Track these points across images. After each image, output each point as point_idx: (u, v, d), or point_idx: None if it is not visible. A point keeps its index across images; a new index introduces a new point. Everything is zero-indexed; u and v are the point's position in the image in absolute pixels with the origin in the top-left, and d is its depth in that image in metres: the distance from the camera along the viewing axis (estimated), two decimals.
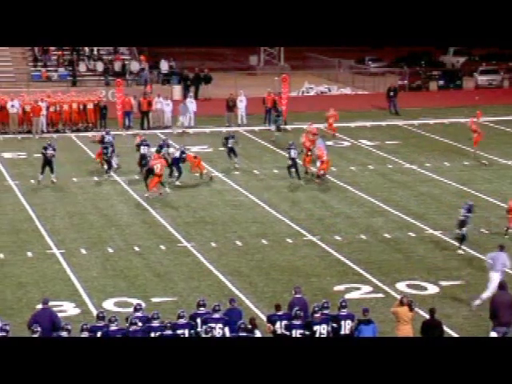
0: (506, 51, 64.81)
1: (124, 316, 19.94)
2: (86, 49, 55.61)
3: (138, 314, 19.43)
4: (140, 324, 18.90)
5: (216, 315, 19.24)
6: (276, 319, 19.57)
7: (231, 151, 36.93)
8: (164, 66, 55.99)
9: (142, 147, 35.48)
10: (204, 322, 19.07)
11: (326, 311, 19.58)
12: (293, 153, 34.50)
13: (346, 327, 19.39)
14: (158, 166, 32.63)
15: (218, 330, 19.00)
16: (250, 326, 18.92)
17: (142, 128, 44.79)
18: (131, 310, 20.12)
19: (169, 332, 18.68)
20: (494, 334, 18.41)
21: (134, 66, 55.07)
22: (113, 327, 18.76)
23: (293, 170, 34.58)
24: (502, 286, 20.63)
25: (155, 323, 18.94)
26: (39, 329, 18.33)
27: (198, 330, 19.17)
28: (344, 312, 19.56)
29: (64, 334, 18.43)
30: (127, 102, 45.22)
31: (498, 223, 29.74)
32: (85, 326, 18.65)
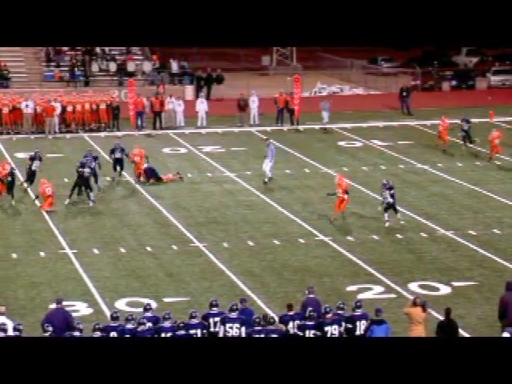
0: None
1: (136, 316, 19.97)
2: (99, 49, 55.67)
3: (148, 313, 19.47)
4: (149, 324, 18.94)
5: (233, 315, 19.23)
6: (288, 319, 19.59)
7: (117, 162, 35.11)
8: (174, 66, 56.03)
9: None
10: (222, 322, 19.09)
11: (340, 312, 19.58)
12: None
13: (361, 328, 19.40)
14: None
15: (236, 330, 19.03)
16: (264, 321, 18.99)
17: (155, 128, 44.90)
18: (142, 309, 20.17)
19: (182, 332, 18.72)
20: (506, 335, 18.41)
21: (147, 67, 55.14)
22: (129, 326, 18.80)
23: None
24: (510, 286, 20.63)
25: (166, 323, 18.97)
26: (51, 328, 18.41)
27: (211, 330, 19.20)
28: (359, 312, 19.56)
29: (76, 333, 18.48)
30: (140, 102, 45.24)
31: (511, 223, 29.70)
32: (97, 326, 18.69)
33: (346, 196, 30.02)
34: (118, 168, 35.08)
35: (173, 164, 37.87)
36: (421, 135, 44.16)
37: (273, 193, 33.82)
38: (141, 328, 18.73)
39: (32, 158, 33.52)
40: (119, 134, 42.90)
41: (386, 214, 29.56)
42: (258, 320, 19.01)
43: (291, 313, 19.76)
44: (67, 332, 18.74)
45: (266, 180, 34.55)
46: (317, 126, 46.01)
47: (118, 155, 35.11)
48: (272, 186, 34.76)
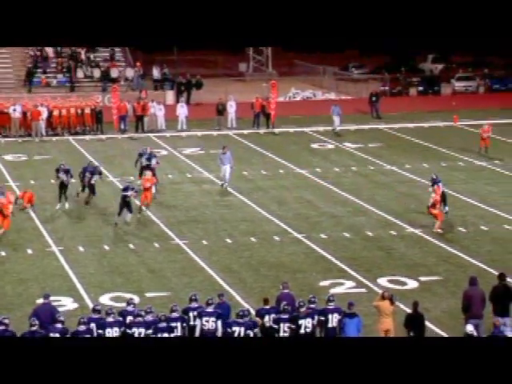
0: (481, 59, 64.99)
1: (119, 310, 19.91)
2: (84, 56, 55.55)
3: (130, 307, 19.46)
4: (130, 317, 19.01)
5: (209, 309, 19.27)
6: (264, 313, 19.59)
7: (90, 187, 32.32)
8: (155, 72, 55.98)
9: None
10: (199, 316, 19.14)
11: (312, 305, 19.59)
12: None
13: (334, 320, 19.41)
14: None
15: (212, 323, 19.08)
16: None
17: (137, 131, 44.87)
18: (125, 304, 20.11)
19: (163, 324, 18.72)
20: (469, 326, 18.48)
21: (129, 73, 55.03)
22: (109, 319, 18.81)
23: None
24: (473, 281, 20.71)
25: (148, 317, 18.94)
26: (37, 322, 18.42)
27: (191, 323, 19.23)
28: (331, 306, 19.58)
29: (58, 325, 18.51)
30: (123, 107, 45.22)
31: (474, 222, 29.83)
32: (82, 320, 18.67)
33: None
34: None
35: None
36: (389, 138, 44.27)
37: (249, 193, 33.79)
38: (109, 319, 18.75)
39: (92, 173, 31.95)
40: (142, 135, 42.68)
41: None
42: (241, 313, 19.03)
43: (267, 307, 19.75)
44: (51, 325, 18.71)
45: (226, 185, 33.99)
46: (291, 129, 46.06)
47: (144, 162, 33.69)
48: (249, 186, 34.73)
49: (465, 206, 31.78)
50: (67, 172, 31.64)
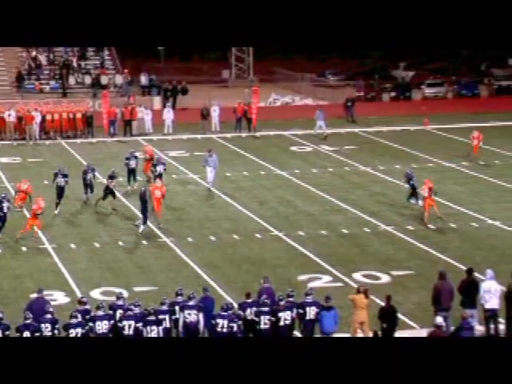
0: (450, 66, 65.21)
1: (109, 303, 19.87)
2: (75, 63, 55.47)
3: (120, 301, 19.44)
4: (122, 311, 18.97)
5: (191, 302, 19.29)
6: (246, 306, 19.60)
7: (88, 186, 32.00)
8: (143, 79, 55.94)
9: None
10: (181, 309, 19.17)
11: (291, 299, 19.61)
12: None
13: (311, 313, 19.44)
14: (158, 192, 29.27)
15: (193, 316, 19.10)
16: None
17: (125, 135, 44.82)
18: (115, 298, 20.09)
19: (152, 317, 18.71)
20: (438, 318, 18.54)
21: (119, 80, 54.94)
22: (100, 313, 18.79)
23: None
24: (442, 275, 20.77)
25: (136, 310, 18.93)
26: (31, 315, 18.41)
27: (177, 316, 19.24)
28: (309, 299, 19.61)
29: (48, 315, 18.51)
30: (112, 112, 45.14)
31: (443, 220, 29.91)
32: (74, 314, 18.64)
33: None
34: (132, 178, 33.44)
35: (141, 167, 37.60)
36: (364, 141, 44.34)
37: (232, 193, 33.77)
38: (99, 313, 18.74)
39: (111, 178, 31.11)
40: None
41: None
42: (224, 307, 19.05)
43: (249, 300, 19.76)
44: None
45: (210, 184, 33.83)
46: (272, 133, 46.05)
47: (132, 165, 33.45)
48: (231, 186, 34.70)
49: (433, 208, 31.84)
50: (65, 176, 31.20)
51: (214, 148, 36.44)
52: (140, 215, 28.86)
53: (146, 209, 28.40)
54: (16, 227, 28.92)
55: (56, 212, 30.44)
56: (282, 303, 19.33)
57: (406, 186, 31.05)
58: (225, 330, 18.63)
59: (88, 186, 31.84)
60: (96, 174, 32.62)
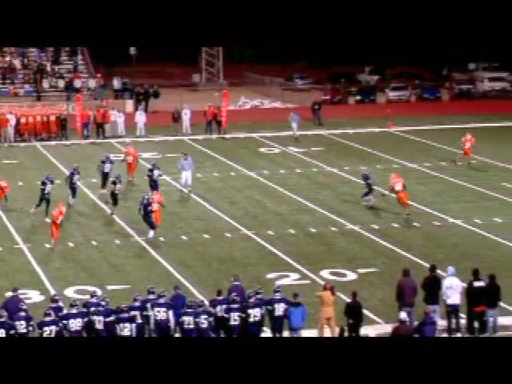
0: (412, 70, 65.56)
1: (83, 302, 19.74)
2: (49, 68, 55.18)
3: (92, 300, 19.35)
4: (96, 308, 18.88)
5: (161, 300, 19.26)
6: (217, 303, 19.56)
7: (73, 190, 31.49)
8: (116, 83, 55.76)
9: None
10: (152, 307, 19.15)
11: (259, 296, 19.60)
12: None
13: (280, 310, 19.44)
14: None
15: (163, 314, 19.09)
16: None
17: (98, 137, 44.70)
18: (89, 296, 19.99)
19: (125, 315, 18.64)
20: (402, 314, 18.62)
21: (92, 83, 54.72)
22: (73, 311, 18.69)
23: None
24: (406, 272, 20.86)
25: (101, 308, 18.87)
26: (5, 313, 18.28)
27: (149, 313, 19.18)
28: (278, 296, 19.61)
29: (22, 313, 18.42)
30: (86, 115, 45.00)
31: (407, 219, 30.04)
32: (47, 312, 18.54)
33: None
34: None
35: (115, 169, 37.43)
36: (330, 142, 44.44)
37: (203, 193, 33.69)
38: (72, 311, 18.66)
39: (114, 183, 30.61)
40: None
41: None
42: (189, 303, 19.02)
43: (220, 298, 19.72)
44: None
45: (189, 189, 33.46)
46: (241, 135, 46.06)
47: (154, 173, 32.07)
48: (202, 187, 34.62)
49: (398, 205, 31.94)
50: (52, 183, 30.54)
51: (183, 149, 36.35)
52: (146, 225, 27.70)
53: (150, 216, 27.50)
54: None
55: (32, 210, 30.09)
56: (252, 300, 19.32)
57: (363, 182, 31.49)
58: (191, 326, 18.63)
59: (73, 189, 31.32)
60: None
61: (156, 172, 32.41)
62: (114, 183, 30.54)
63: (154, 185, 32.07)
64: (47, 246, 27.07)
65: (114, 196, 30.29)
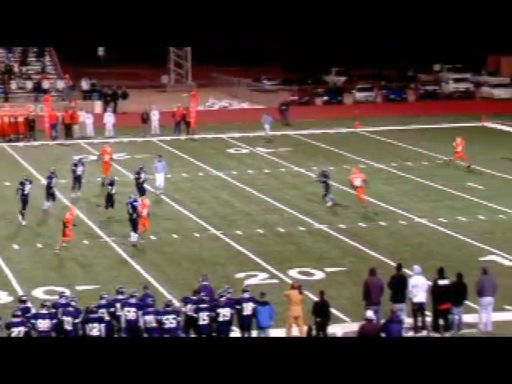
0: (378, 72, 65.91)
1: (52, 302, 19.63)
2: (17, 69, 54.84)
3: (62, 300, 19.26)
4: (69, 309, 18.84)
5: (132, 300, 19.24)
6: (188, 301, 19.56)
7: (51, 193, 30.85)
8: (84, 84, 55.51)
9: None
10: (123, 306, 19.15)
11: (228, 295, 19.61)
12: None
13: (248, 309, 19.47)
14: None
15: (133, 314, 19.10)
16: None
17: (67, 138, 44.51)
18: (57, 297, 19.89)
19: (94, 315, 18.58)
20: (369, 312, 18.72)
21: (60, 84, 54.41)
22: (43, 311, 18.61)
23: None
24: (372, 271, 20.98)
25: (70, 308, 18.81)
26: None
27: (118, 313, 19.14)
28: (246, 296, 19.63)
29: None
30: (54, 116, 44.81)
31: (374, 218, 30.20)
32: (15, 312, 18.45)
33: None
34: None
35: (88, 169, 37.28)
36: (298, 143, 44.56)
37: (172, 193, 33.63)
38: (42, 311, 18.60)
39: (111, 184, 30.35)
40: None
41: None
42: (149, 303, 19.07)
43: (194, 297, 19.63)
44: None
45: (159, 191, 33.15)
46: (209, 136, 46.03)
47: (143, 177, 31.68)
48: (171, 187, 34.55)
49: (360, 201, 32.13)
50: (30, 183, 30.17)
51: (152, 150, 36.27)
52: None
53: (136, 220, 27.00)
54: None
55: (24, 223, 29.26)
56: (222, 299, 19.34)
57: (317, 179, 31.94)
58: (154, 325, 18.62)
59: (51, 194, 30.74)
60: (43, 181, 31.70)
61: (143, 175, 31.99)
62: (111, 184, 30.29)
63: (141, 188, 31.62)
64: (15, 247, 26.85)
65: (109, 197, 29.95)
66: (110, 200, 29.93)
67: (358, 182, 30.72)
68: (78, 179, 32.94)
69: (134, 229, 26.98)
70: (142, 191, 31.35)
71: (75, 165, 33.26)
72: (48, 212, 30.64)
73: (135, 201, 27.25)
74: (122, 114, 50.84)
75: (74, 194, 32.78)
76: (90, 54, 59.93)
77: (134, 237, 26.96)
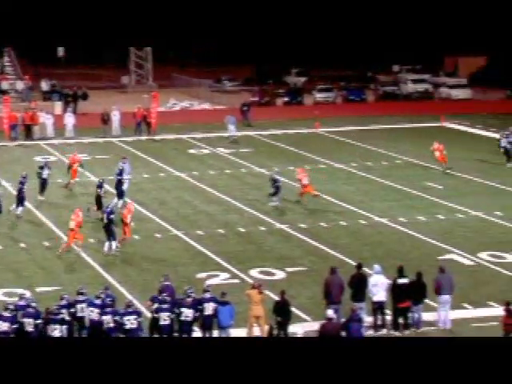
0: (338, 73, 66.23)
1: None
2: None
3: (21, 302, 19.08)
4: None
5: (97, 301, 19.19)
6: (155, 301, 19.51)
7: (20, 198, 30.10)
8: (44, 85, 55.08)
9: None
10: (87, 306, 19.13)
11: (192, 295, 19.57)
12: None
13: (209, 309, 19.44)
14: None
15: (96, 314, 19.03)
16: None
17: (27, 139, 44.08)
18: (17, 299, 19.69)
19: (55, 316, 18.43)
20: (329, 311, 18.78)
21: (19, 85, 53.92)
22: (6, 314, 18.46)
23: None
24: (333, 271, 21.04)
25: (30, 310, 18.63)
26: None
27: (79, 314, 19.03)
28: (207, 296, 19.60)
29: None
30: (13, 117, 44.43)
31: (334, 218, 30.32)
32: None
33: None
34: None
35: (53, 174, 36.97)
36: (259, 143, 44.59)
37: (133, 194, 33.41)
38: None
39: (100, 186, 30.03)
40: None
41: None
42: (107, 303, 19.03)
43: (160, 297, 19.57)
44: None
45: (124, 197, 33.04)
46: (170, 137, 45.90)
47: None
48: (132, 188, 34.33)
49: (325, 204, 32.28)
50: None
51: (114, 151, 36.06)
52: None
53: (113, 225, 26.32)
54: None
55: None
56: (190, 300, 19.30)
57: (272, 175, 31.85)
58: (111, 325, 18.55)
59: (22, 198, 30.01)
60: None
61: (127, 183, 31.44)
62: (100, 187, 29.97)
63: (121, 192, 31.10)
64: (76, 249, 26.27)
65: (99, 199, 29.64)
66: (99, 202, 29.61)
67: (305, 181, 31.54)
68: (44, 183, 32.43)
69: (113, 236, 26.22)
70: (120, 196, 30.81)
71: (41, 168, 32.83)
72: (9, 216, 30.29)
73: (111, 212, 26.61)
74: (83, 115, 50.52)
75: (41, 197, 32.31)
76: (49, 55, 59.45)
77: (112, 245, 26.17)
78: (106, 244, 26.24)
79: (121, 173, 31.64)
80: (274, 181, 31.60)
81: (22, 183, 30.28)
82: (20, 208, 29.95)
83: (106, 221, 26.31)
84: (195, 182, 35.89)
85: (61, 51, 61.11)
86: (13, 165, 37.28)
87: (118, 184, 31.36)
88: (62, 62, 62.07)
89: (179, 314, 19.09)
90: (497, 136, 40.72)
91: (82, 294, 19.46)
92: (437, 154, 37.14)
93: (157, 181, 36.02)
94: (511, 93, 60.23)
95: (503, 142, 38.47)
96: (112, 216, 26.31)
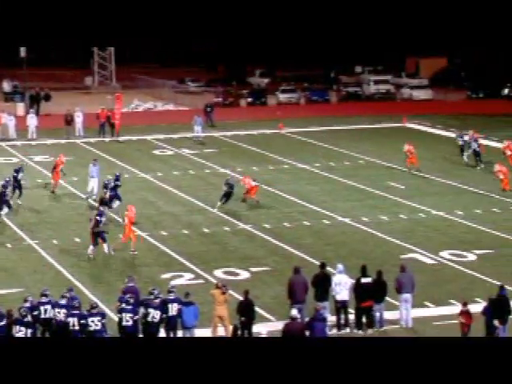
0: (301, 73, 66.48)
1: None
2: None
3: None
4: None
5: (63, 302, 19.07)
6: (123, 301, 19.42)
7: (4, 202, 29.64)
8: (6, 86, 54.62)
9: None
10: (52, 307, 19.00)
11: (159, 297, 19.51)
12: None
13: (174, 309, 19.40)
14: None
15: (63, 315, 18.90)
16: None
17: None
18: None
19: (19, 319, 18.28)
20: (293, 311, 18.83)
21: None
22: None
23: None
24: (296, 270, 21.10)
25: None
26: None
27: (42, 316, 18.88)
28: (171, 296, 19.56)
29: None
30: None
31: (298, 218, 30.40)
32: None
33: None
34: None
35: (6, 172, 36.62)
36: (223, 144, 44.57)
37: (96, 196, 33.21)
38: None
39: (106, 186, 29.92)
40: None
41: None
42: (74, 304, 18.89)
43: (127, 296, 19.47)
44: None
45: (93, 197, 32.31)
46: (134, 138, 45.70)
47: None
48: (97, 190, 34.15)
49: (289, 204, 32.35)
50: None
51: (77, 153, 35.81)
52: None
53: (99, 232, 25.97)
54: None
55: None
56: (157, 301, 19.23)
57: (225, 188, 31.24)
58: (76, 328, 18.45)
59: (5, 202, 29.45)
60: None
61: (118, 182, 30.90)
62: (106, 187, 29.83)
63: (114, 197, 30.49)
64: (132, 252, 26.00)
65: (103, 200, 29.43)
66: (103, 202, 29.46)
67: (253, 183, 32.07)
68: (19, 185, 31.99)
69: (96, 242, 25.88)
70: (108, 202, 30.39)
71: (16, 171, 32.33)
72: None
73: (101, 214, 26.29)
74: (46, 116, 50.18)
75: (19, 200, 31.82)
76: (11, 56, 58.94)
77: (105, 247, 25.97)
78: (105, 246, 25.97)
79: (117, 178, 31.17)
80: (229, 187, 31.19)
81: (4, 187, 29.74)
82: (5, 211, 29.44)
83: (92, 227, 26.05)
84: (159, 182, 35.78)
85: (23, 52, 60.60)
86: None
87: (114, 188, 30.70)
88: (24, 62, 61.55)
89: (146, 315, 19.02)
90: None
91: (46, 295, 19.30)
92: (408, 155, 37.13)
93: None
94: (471, 94, 60.89)
95: (461, 141, 39.05)
96: (101, 218, 26.05)
